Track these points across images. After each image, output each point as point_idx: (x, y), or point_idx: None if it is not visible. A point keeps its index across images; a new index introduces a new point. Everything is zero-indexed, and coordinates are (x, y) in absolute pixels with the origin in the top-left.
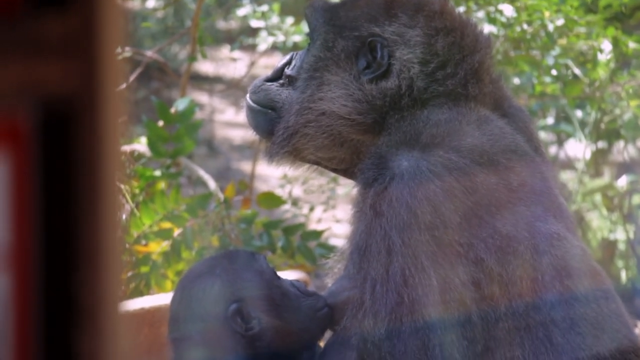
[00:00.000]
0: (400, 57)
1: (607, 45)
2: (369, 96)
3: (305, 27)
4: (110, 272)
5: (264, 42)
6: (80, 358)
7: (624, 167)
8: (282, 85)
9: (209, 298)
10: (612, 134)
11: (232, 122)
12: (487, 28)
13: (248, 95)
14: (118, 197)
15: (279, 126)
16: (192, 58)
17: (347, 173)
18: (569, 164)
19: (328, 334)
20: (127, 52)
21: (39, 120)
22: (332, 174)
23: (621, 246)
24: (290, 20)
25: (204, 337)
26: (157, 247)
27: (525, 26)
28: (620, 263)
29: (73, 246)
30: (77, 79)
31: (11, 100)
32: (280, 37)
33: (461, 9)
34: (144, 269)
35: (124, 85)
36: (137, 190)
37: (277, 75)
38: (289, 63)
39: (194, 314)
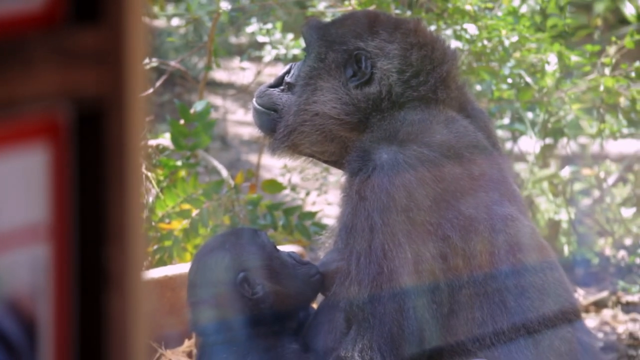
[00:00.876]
0: (381, 67)
1: (553, 58)
2: (355, 100)
3: (302, 42)
4: (135, 246)
5: (268, 54)
6: (110, 318)
7: (566, 160)
8: (282, 90)
9: (220, 268)
10: (557, 132)
11: (241, 121)
12: (454, 43)
13: (254, 99)
14: (143, 182)
15: (279, 125)
16: (208, 67)
17: (337, 164)
18: (521, 157)
19: (320, 298)
20: (154, 62)
21: (74, 118)
22: (325, 165)
23: (564, 225)
24: (290, 36)
25: (216, 300)
26: (178, 225)
27: (485, 42)
28: (563, 239)
29: (103, 223)
30: (108, 83)
31: (51, 101)
32: (282, 50)
33: (432, 27)
34: (167, 243)
35: (149, 90)
36: (161, 178)
37: (279, 82)
38: (288, 72)
39: (208, 281)
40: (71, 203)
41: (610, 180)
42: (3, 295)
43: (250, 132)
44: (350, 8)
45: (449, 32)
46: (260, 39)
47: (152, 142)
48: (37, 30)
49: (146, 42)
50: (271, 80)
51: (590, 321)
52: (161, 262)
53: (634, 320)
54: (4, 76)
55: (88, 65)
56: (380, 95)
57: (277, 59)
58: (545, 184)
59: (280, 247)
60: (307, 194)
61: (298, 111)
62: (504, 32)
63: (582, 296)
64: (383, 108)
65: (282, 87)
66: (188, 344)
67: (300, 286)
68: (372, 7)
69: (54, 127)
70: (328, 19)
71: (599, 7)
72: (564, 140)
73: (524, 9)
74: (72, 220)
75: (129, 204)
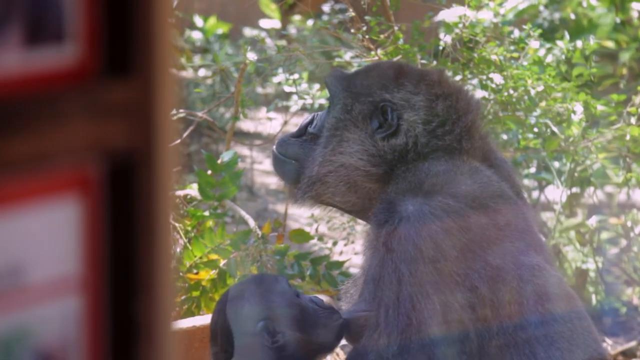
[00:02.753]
0: (407, 119)
1: (579, 108)
2: (382, 151)
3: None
4: (164, 297)
5: (295, 104)
6: None
7: (593, 209)
8: (305, 141)
9: (240, 318)
10: (583, 181)
11: (268, 170)
12: (480, 93)
13: (275, 147)
14: (171, 234)
15: (303, 175)
16: (235, 118)
17: (359, 214)
18: (548, 206)
19: (348, 348)
20: (181, 112)
21: (105, 171)
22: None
23: (592, 274)
24: (317, 86)
25: (238, 350)
26: (206, 275)
27: (511, 91)
28: (590, 289)
29: (133, 275)
30: (138, 136)
31: (82, 154)
32: (309, 100)
33: (458, 77)
34: (195, 294)
35: (177, 141)
36: (189, 228)
37: (301, 132)
38: (311, 122)
39: (228, 331)
40: (102, 255)
41: (638, 229)
42: (36, 347)
43: (277, 181)
44: (376, 58)
45: (474, 81)
46: (287, 89)
47: (180, 193)
48: (69, 85)
49: (175, 95)
50: (293, 130)
51: None
52: (189, 313)
53: None
54: (37, 130)
55: (119, 119)
56: (406, 146)
57: (303, 109)
58: (572, 233)
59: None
60: (335, 243)
61: (323, 162)
62: (529, 81)
63: (610, 346)
64: (409, 159)
65: (304, 138)
66: None
67: (322, 332)
68: (398, 58)
69: (86, 180)
70: (354, 69)
71: (625, 57)
72: (591, 189)
73: (549, 59)
74: (103, 272)
75: (159, 255)
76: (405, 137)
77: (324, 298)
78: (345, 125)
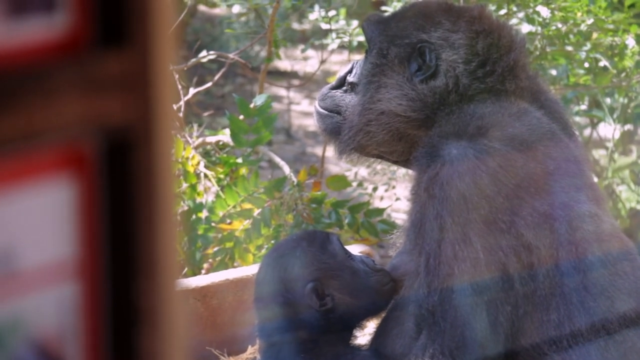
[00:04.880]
0: (446, 59)
1: (631, 40)
2: (421, 95)
3: None
4: (167, 280)
5: (332, 42)
6: (142, 356)
7: None
8: (345, 91)
9: (289, 277)
10: (637, 118)
11: (306, 112)
12: (526, 27)
13: (316, 102)
14: (173, 213)
15: (344, 126)
16: (268, 59)
17: (407, 164)
18: (600, 144)
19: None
20: (212, 54)
21: (101, 148)
22: None
23: None
24: (355, 23)
25: (283, 308)
26: (239, 225)
27: (559, 25)
28: None
29: (133, 257)
30: (136, 111)
31: (77, 131)
32: (346, 38)
33: (503, 11)
34: (229, 245)
35: (176, 113)
36: (222, 176)
37: (341, 83)
38: (350, 71)
39: (276, 289)
40: (100, 238)
41: None
42: (30, 338)
43: (315, 123)
44: None
45: (520, 15)
46: (324, 26)
47: (212, 139)
48: (60, 57)
49: (175, 66)
50: (334, 80)
51: None
52: (222, 265)
53: None
54: (27, 106)
55: (114, 93)
56: (447, 88)
57: (341, 47)
58: (626, 172)
59: (348, 247)
60: (375, 189)
61: (362, 111)
62: (579, 14)
63: None
64: (450, 101)
65: (344, 88)
66: (251, 351)
67: (371, 296)
68: None
69: (80, 159)
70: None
71: None
72: None
73: None
74: (101, 255)
75: (160, 236)
76: (445, 77)
77: (365, 249)
78: (382, 70)
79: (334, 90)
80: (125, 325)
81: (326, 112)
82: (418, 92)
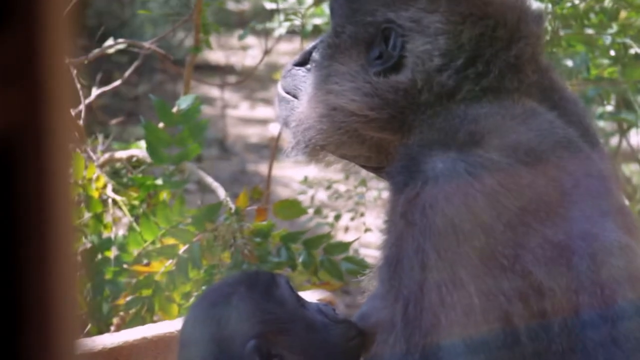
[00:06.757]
0: (415, 48)
1: None
2: (379, 90)
3: (326, 8)
4: (64, 330)
5: (279, 26)
6: None
7: None
8: (308, 70)
9: (224, 333)
10: None
11: (246, 117)
12: (533, 4)
13: (279, 81)
14: (71, 250)
15: (292, 117)
16: (195, 49)
17: (381, 172)
18: (632, 156)
19: None
20: (122, 43)
21: None
22: (363, 177)
23: None
24: (309, 0)
25: None
26: (160, 267)
27: (576, 1)
28: None
29: (18, 299)
30: (21, 108)
31: None
32: (298, 21)
33: None
34: (146, 292)
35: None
36: (136, 202)
37: (305, 59)
38: (316, 46)
39: (207, 349)
40: None
41: None
42: None
43: (259, 132)
44: None
45: None
46: (268, 5)
47: (122, 154)
48: None
49: (71, 59)
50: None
51: None
52: (138, 319)
53: None
54: None
55: None
56: (414, 86)
57: (291, 32)
58: None
59: (302, 294)
60: (338, 217)
61: (312, 103)
62: None
63: None
64: (422, 102)
65: (308, 66)
66: None
67: (333, 355)
68: None
69: None
70: None
71: None
72: None
73: None
74: None
75: (54, 269)
76: (412, 72)
77: (325, 296)
78: (334, 54)
79: (297, 68)
80: None
81: (285, 94)
82: (374, 86)
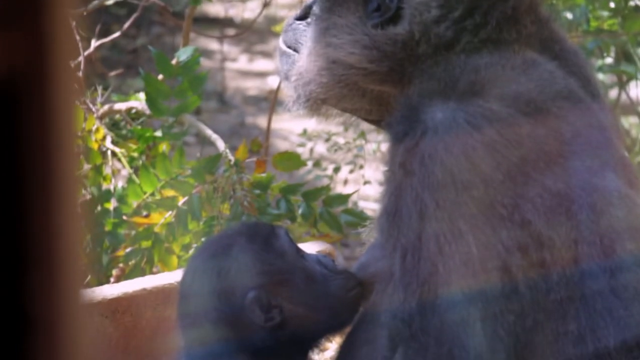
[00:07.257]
0: (411, 0)
1: None
2: (377, 43)
3: None
4: (67, 277)
5: None
6: None
7: None
8: (309, 24)
9: (224, 284)
10: None
11: (244, 70)
12: None
13: (281, 36)
14: (75, 186)
15: (292, 71)
16: (194, 1)
17: (381, 124)
18: (631, 109)
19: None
20: None
21: None
22: (364, 128)
23: None
24: None
25: (217, 326)
26: (159, 219)
27: None
28: None
29: (23, 246)
30: (22, 53)
31: None
32: None
33: None
34: (146, 244)
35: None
36: (135, 154)
37: (305, 12)
38: (316, 0)
39: (207, 301)
40: None
41: None
42: None
43: (259, 85)
44: None
45: None
46: None
47: (122, 106)
48: None
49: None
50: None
51: None
52: (137, 271)
53: None
54: None
55: None
56: (412, 37)
57: None
58: None
59: (302, 246)
60: (337, 169)
61: (312, 56)
62: None
63: None
64: (420, 54)
65: (308, 20)
66: None
67: (333, 306)
68: None
69: None
70: None
71: None
72: None
73: None
74: None
75: (59, 218)
76: (409, 24)
77: (324, 247)
78: (333, 6)
79: (298, 22)
80: (12, 338)
81: (286, 48)
82: (372, 38)
